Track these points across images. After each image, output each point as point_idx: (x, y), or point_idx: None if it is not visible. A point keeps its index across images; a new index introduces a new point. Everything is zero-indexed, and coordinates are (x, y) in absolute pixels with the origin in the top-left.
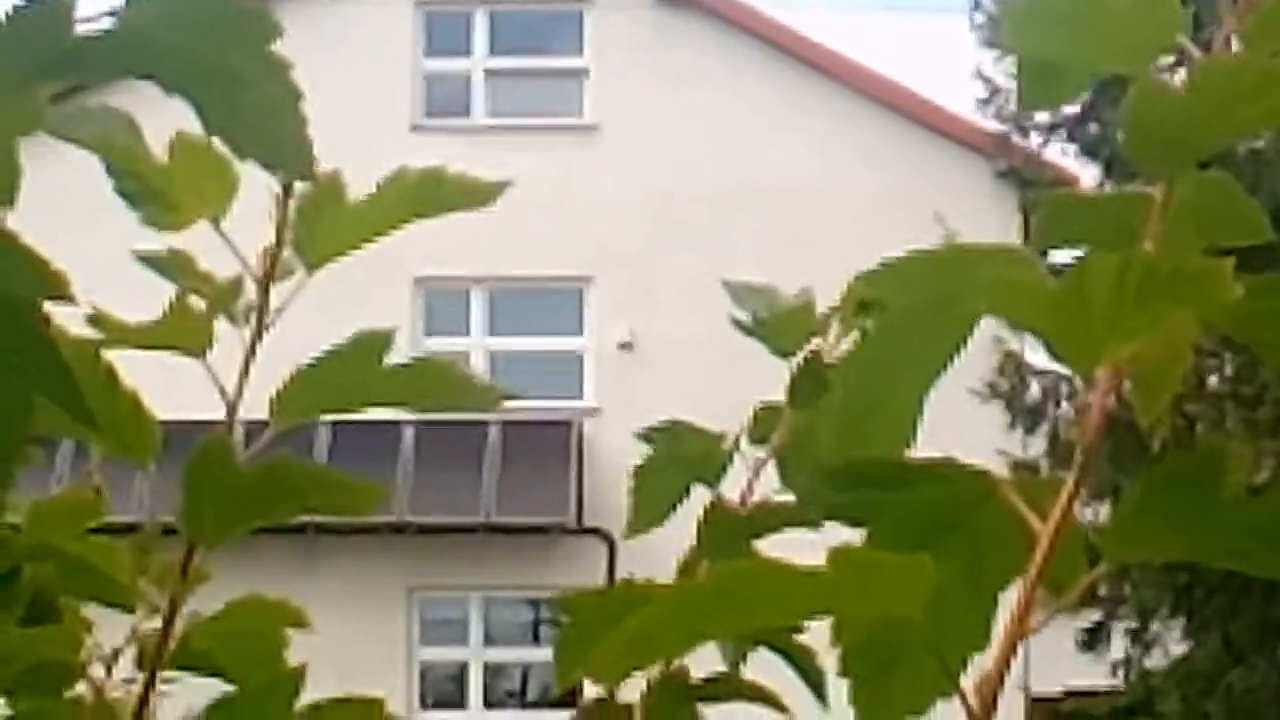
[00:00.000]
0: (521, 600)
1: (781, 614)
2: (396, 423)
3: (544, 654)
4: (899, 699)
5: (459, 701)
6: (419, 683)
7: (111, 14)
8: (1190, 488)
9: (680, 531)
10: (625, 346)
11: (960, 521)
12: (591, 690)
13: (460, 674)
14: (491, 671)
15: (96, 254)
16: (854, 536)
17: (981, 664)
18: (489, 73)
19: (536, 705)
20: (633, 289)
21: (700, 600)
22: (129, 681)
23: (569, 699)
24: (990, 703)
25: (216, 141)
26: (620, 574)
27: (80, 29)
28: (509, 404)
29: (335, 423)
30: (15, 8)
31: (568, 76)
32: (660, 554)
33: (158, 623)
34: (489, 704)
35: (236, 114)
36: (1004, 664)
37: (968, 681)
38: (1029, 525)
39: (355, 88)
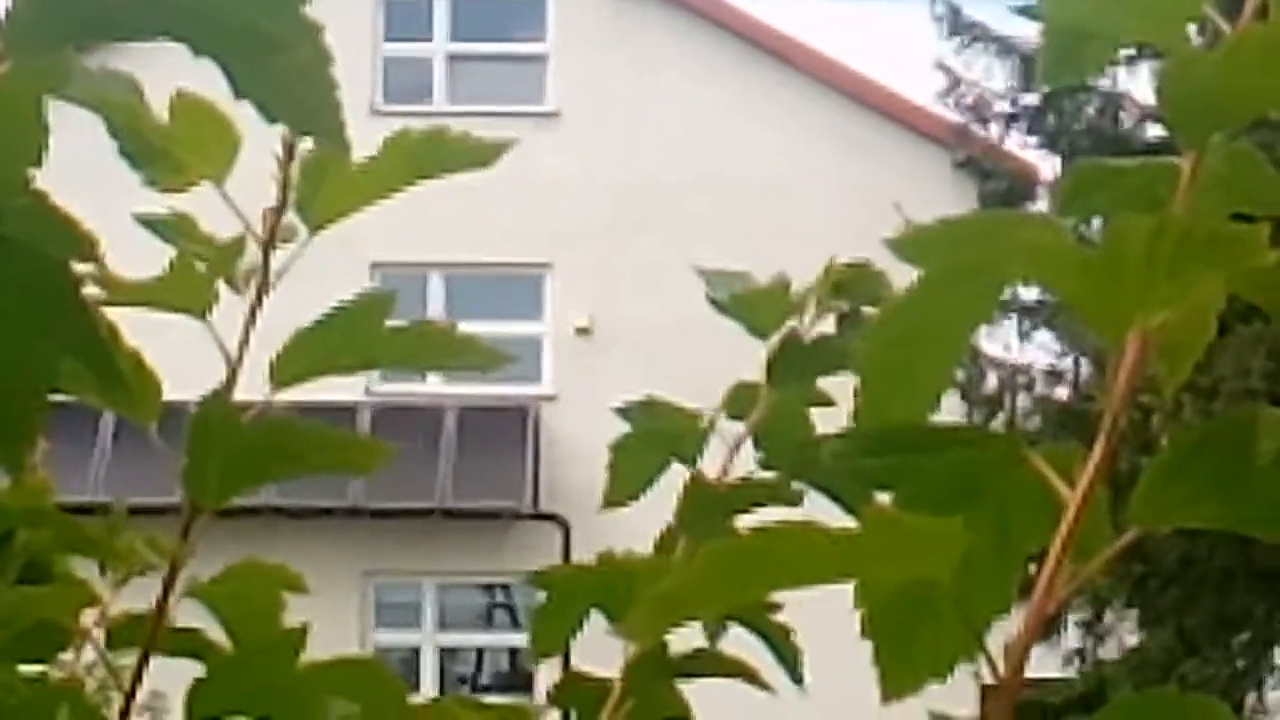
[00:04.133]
0: (476, 585)
1: (813, 575)
2: (352, 406)
3: (498, 639)
4: (921, 662)
5: (412, 685)
6: None
7: None
8: (1222, 455)
9: (636, 516)
10: (583, 332)
11: (987, 486)
12: (547, 674)
13: (414, 658)
14: (445, 656)
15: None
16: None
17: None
18: (450, 58)
19: (489, 689)
20: (592, 275)
21: (735, 561)
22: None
23: (523, 683)
24: (1019, 666)
25: (216, 100)
26: (575, 559)
27: None
28: (466, 389)
29: (290, 405)
30: None
31: (529, 62)
32: (616, 538)
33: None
34: (443, 688)
35: (268, 78)
36: (1034, 629)
37: (993, 645)
38: (1057, 491)
39: None
